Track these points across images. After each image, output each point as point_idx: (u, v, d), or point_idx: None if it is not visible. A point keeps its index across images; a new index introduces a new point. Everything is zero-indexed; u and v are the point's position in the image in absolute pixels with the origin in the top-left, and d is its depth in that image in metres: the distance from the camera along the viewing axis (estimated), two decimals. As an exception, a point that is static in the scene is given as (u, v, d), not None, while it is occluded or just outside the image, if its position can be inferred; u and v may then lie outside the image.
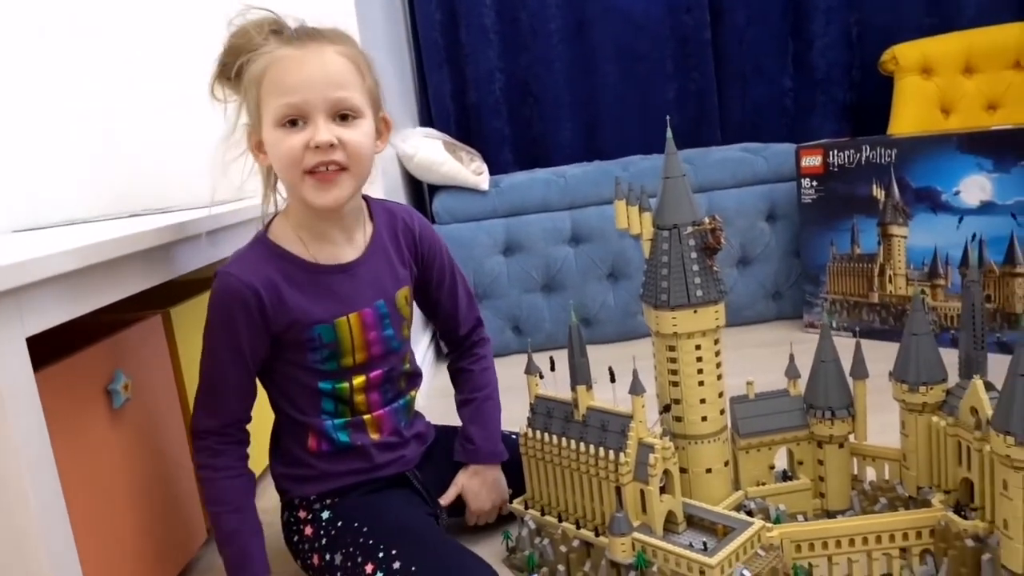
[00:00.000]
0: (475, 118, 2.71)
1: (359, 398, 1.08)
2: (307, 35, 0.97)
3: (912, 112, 2.34)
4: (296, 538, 1.08)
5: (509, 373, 2.14)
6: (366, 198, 1.11)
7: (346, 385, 1.06)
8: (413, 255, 1.14)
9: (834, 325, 2.01)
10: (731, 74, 2.66)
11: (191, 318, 1.22)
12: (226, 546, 1.01)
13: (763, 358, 1.88)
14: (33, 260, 0.77)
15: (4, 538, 0.77)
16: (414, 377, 1.18)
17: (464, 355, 1.26)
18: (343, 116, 0.96)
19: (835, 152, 1.96)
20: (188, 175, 1.67)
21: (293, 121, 0.94)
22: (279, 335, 1.01)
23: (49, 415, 0.83)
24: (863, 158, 1.92)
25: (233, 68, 0.99)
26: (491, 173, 2.32)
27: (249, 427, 1.06)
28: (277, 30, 0.97)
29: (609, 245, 2.17)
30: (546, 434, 1.08)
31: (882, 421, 1.08)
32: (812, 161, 2.00)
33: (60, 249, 0.82)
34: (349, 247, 1.06)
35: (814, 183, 2.01)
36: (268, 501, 1.17)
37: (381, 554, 0.96)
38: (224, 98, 1.03)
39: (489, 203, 2.19)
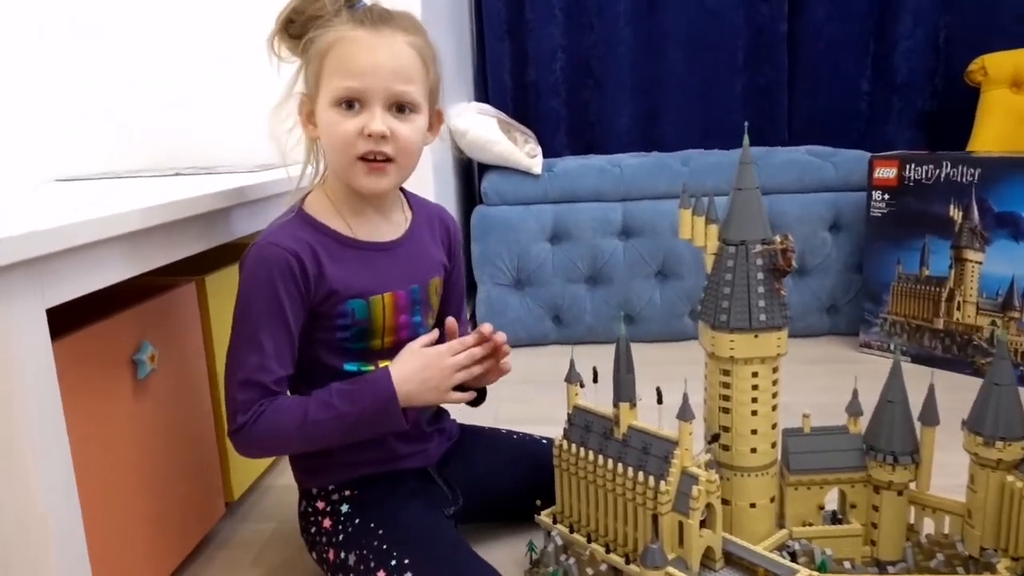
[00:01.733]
0: (532, 97, 2.63)
1: None
2: (381, 19, 0.94)
3: (997, 128, 2.20)
4: (313, 529, 1.04)
5: (544, 363, 2.09)
6: (401, 188, 1.10)
7: (372, 368, 1.02)
8: (446, 250, 1.14)
9: (891, 348, 1.91)
10: (805, 71, 2.52)
11: (225, 287, 1.18)
12: (344, 419, 0.93)
13: (813, 375, 1.80)
14: (55, 229, 0.73)
15: (9, 511, 0.75)
16: None
17: None
18: (399, 107, 0.95)
19: (912, 165, 1.84)
20: (231, 136, 1.63)
21: (350, 104, 0.93)
22: (315, 308, 0.98)
23: (68, 384, 0.80)
24: (942, 174, 1.79)
25: (299, 28, 0.96)
26: (544, 154, 2.24)
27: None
28: (351, 3, 0.95)
29: (660, 241, 2.08)
30: (582, 448, 1.02)
31: (937, 460, 1.00)
32: (886, 173, 1.89)
33: (84, 218, 0.77)
34: (388, 227, 1.05)
35: (886, 196, 1.89)
36: (291, 494, 1.13)
37: (394, 562, 0.92)
38: (279, 54, 0.99)
39: (540, 187, 2.11)
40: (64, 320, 0.84)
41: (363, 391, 0.95)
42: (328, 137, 0.95)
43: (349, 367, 1.02)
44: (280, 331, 0.95)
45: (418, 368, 0.96)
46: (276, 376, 0.95)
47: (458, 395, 0.99)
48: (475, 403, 1.07)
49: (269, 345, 0.94)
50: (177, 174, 1.48)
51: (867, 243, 1.96)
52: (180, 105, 1.77)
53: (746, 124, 0.99)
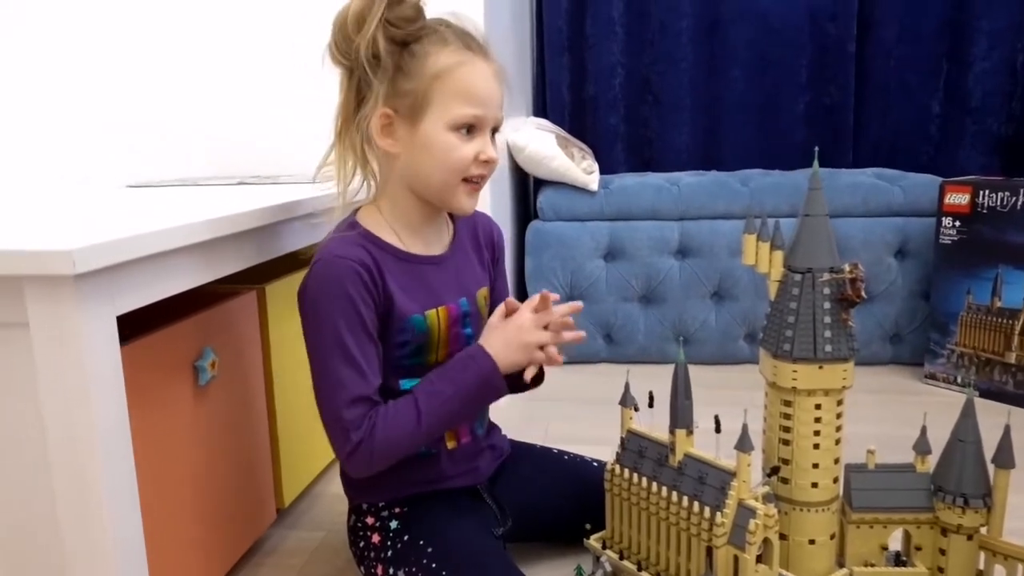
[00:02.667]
0: (590, 112, 2.62)
1: None
2: (481, 45, 0.97)
3: (1078, 154, 2.10)
4: (362, 544, 1.04)
5: (594, 381, 2.08)
6: None
7: None
8: (491, 258, 1.14)
9: (958, 380, 1.83)
10: (872, 92, 2.46)
11: (284, 296, 1.19)
12: (454, 399, 0.95)
13: (875, 406, 1.74)
14: (129, 239, 0.74)
15: (72, 508, 0.77)
16: None
17: None
18: (492, 131, 0.99)
19: (986, 192, 1.77)
20: (292, 147, 1.66)
21: (468, 129, 0.95)
22: (382, 315, 0.97)
23: (133, 388, 0.82)
24: (1019, 202, 1.72)
25: (405, 35, 0.93)
26: (600, 171, 2.23)
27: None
28: (450, 25, 0.97)
29: (717, 262, 2.04)
30: (635, 474, 1.00)
31: (1013, 503, 0.95)
32: (958, 199, 1.82)
33: (156, 229, 0.79)
34: (437, 242, 1.06)
35: (957, 223, 1.82)
36: (340, 503, 1.14)
37: None
38: (368, 57, 0.94)
39: (596, 204, 2.10)
40: (128, 325, 0.86)
41: (464, 367, 0.96)
42: (440, 158, 0.95)
43: (405, 385, 1.00)
44: (367, 342, 0.94)
45: (505, 334, 0.97)
46: (375, 386, 0.94)
47: (541, 354, 0.98)
48: (537, 381, 1.04)
49: (361, 358, 0.93)
50: (241, 183, 1.52)
51: (935, 271, 1.89)
52: (244, 115, 1.82)
53: (816, 149, 0.97)
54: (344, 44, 0.94)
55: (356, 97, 0.97)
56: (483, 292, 1.10)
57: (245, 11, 1.77)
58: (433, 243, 1.05)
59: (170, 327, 0.94)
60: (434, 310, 1.01)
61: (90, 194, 1.37)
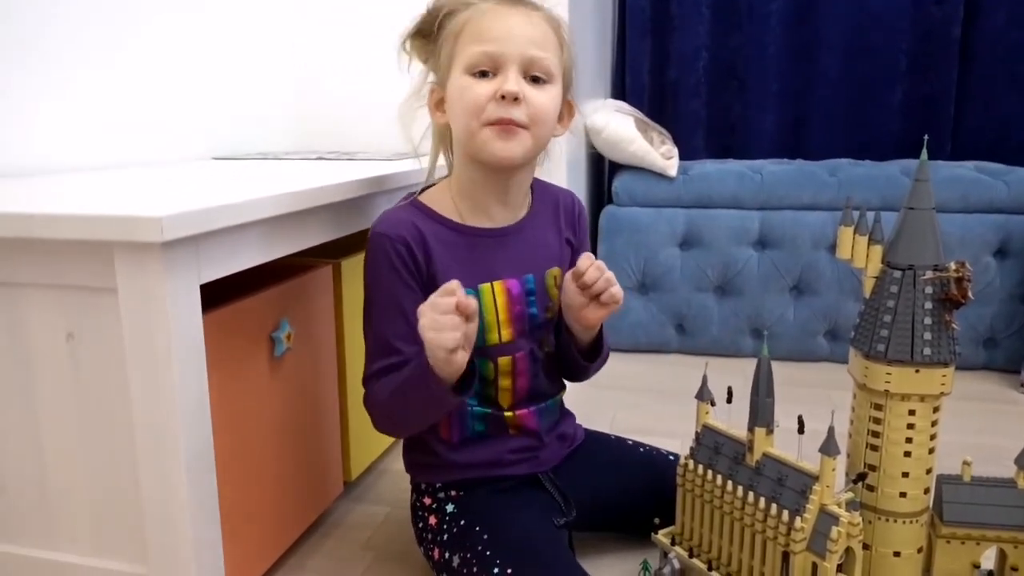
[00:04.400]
0: (671, 96, 2.55)
1: (504, 383, 1.02)
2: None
3: None
4: (421, 524, 1.04)
5: (664, 372, 2.03)
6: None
7: (491, 365, 1.00)
8: (573, 235, 1.10)
9: (1059, 391, 1.72)
10: (977, 81, 2.31)
11: (358, 271, 1.19)
12: (401, 389, 0.92)
13: (967, 413, 1.64)
14: (215, 208, 0.75)
15: (152, 471, 0.78)
16: (559, 375, 1.11)
17: None
18: (535, 79, 0.93)
19: (1103, 190, 1.64)
20: (371, 123, 1.67)
21: (484, 72, 0.92)
22: (429, 289, 0.95)
23: (213, 356, 0.83)
24: None
25: (434, 24, 0.96)
26: (680, 157, 2.16)
27: None
28: None
29: (799, 255, 1.96)
30: (710, 471, 0.96)
31: None
32: (1070, 197, 1.69)
33: (241, 200, 0.80)
34: (504, 215, 1.02)
35: (1067, 223, 1.70)
36: (405, 479, 1.14)
37: (496, 569, 0.90)
38: (410, 54, 1.01)
39: (674, 190, 2.04)
40: (209, 294, 0.87)
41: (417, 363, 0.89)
42: (458, 105, 0.93)
43: None
44: (396, 317, 0.95)
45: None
46: (399, 355, 0.94)
47: (459, 359, 0.83)
48: (463, 385, 0.90)
49: (389, 334, 0.95)
50: (320, 158, 1.53)
51: (1039, 273, 1.77)
52: (326, 92, 1.84)
53: (926, 138, 0.90)
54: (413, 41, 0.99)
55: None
56: (554, 272, 1.05)
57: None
58: (499, 217, 1.02)
59: (250, 297, 0.95)
60: (488, 284, 0.98)
61: (178, 165, 1.40)
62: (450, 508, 1.02)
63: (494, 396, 1.03)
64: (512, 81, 0.90)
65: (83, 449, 0.82)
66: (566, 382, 1.12)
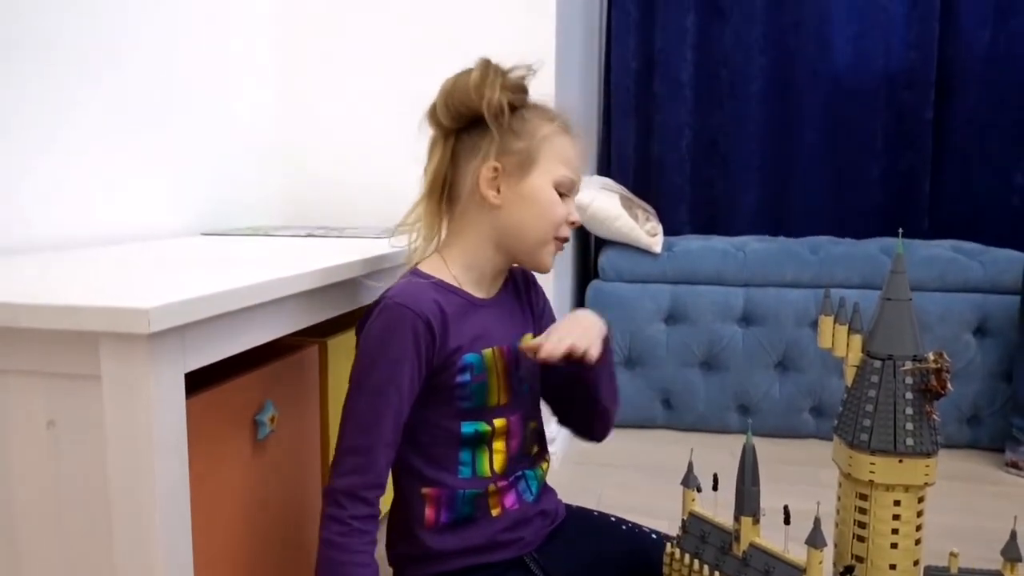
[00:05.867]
0: (656, 172, 2.62)
1: (499, 445, 1.02)
2: (575, 128, 1.06)
3: None
4: (407, 616, 1.02)
5: (651, 448, 2.02)
6: None
7: (488, 428, 1.01)
8: (531, 305, 1.15)
9: (1045, 471, 1.72)
10: (951, 160, 2.39)
11: (344, 351, 1.20)
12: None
13: (951, 494, 1.64)
14: (203, 298, 0.76)
15: (129, 561, 0.77)
16: (544, 446, 1.12)
17: None
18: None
19: (1076, 272, 1.68)
20: (360, 199, 1.70)
21: (563, 192, 1.02)
22: (437, 368, 0.98)
23: (194, 441, 0.82)
24: (1113, 285, 1.63)
25: (519, 100, 1.01)
26: (664, 231, 2.20)
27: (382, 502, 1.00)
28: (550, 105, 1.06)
29: (783, 331, 1.98)
30: (696, 561, 0.95)
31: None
32: (1045, 278, 1.73)
33: (230, 287, 0.81)
34: (492, 288, 1.08)
35: (1043, 303, 1.73)
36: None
37: None
38: (438, 133, 1.03)
39: (659, 266, 2.07)
40: (192, 374, 0.87)
41: None
42: (540, 210, 1.01)
43: (466, 428, 1.00)
44: (395, 405, 0.95)
45: None
46: (367, 481, 0.94)
47: None
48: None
49: (376, 428, 0.94)
50: (310, 235, 1.55)
51: (1019, 350, 1.80)
52: (315, 165, 1.87)
53: (900, 232, 0.93)
54: (457, 107, 1.01)
55: (452, 158, 1.03)
56: (528, 337, 1.09)
57: (318, 65, 1.83)
58: (492, 290, 1.08)
59: (234, 380, 0.94)
60: (491, 350, 1.02)
61: (166, 241, 1.41)
62: (436, 598, 1.00)
63: (487, 463, 1.02)
64: (576, 213, 1.05)
65: (60, 537, 0.80)
66: (549, 457, 1.12)
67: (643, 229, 2.07)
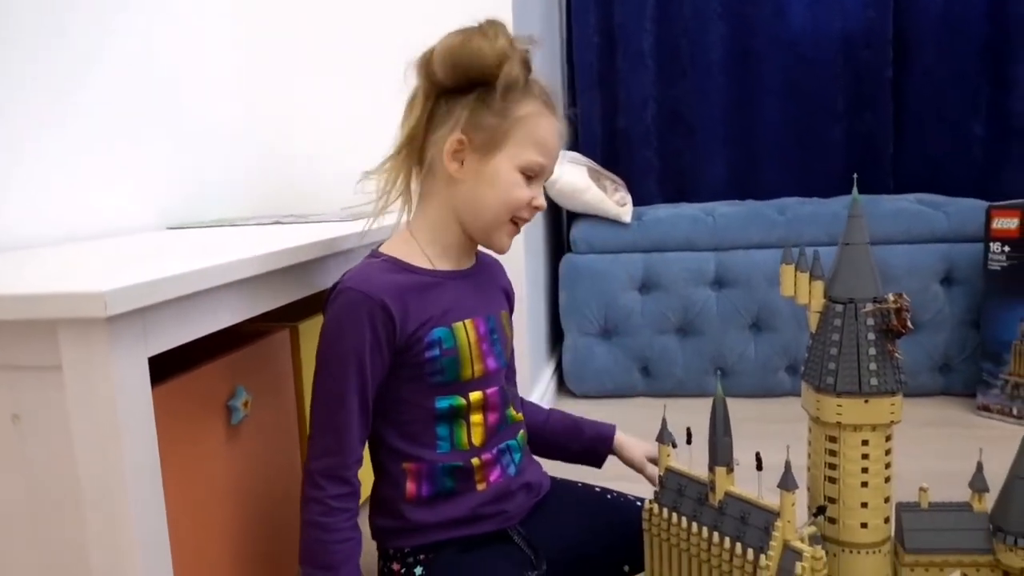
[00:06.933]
0: (623, 145, 2.62)
1: (476, 418, 1.02)
2: (558, 106, 1.03)
3: None
4: (390, 590, 1.02)
5: (631, 416, 2.04)
6: None
7: (463, 402, 1.01)
8: (505, 289, 1.16)
9: (1014, 412, 1.75)
10: (912, 117, 2.42)
11: (316, 334, 1.19)
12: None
13: (926, 439, 1.67)
14: (161, 280, 0.75)
15: (104, 553, 0.76)
16: (521, 419, 1.13)
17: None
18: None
19: (1036, 216, 1.72)
20: (328, 186, 1.69)
21: (530, 176, 1.00)
22: (402, 348, 0.97)
23: (165, 430, 0.82)
24: (1071, 226, 1.66)
25: (468, 81, 0.97)
26: (634, 203, 2.21)
27: (361, 475, 1.01)
28: (537, 79, 1.02)
29: (755, 293, 2.00)
30: (675, 514, 0.96)
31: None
32: (1006, 223, 1.76)
33: (189, 269, 0.80)
34: (465, 262, 1.08)
35: (1006, 248, 1.77)
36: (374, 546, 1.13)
37: None
38: (419, 93, 1.00)
39: (630, 236, 2.08)
40: (161, 364, 0.86)
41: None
42: (499, 190, 0.99)
43: (441, 403, 1.00)
44: (360, 389, 0.95)
45: None
46: (343, 459, 0.95)
47: None
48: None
49: (345, 411, 0.95)
50: (277, 222, 1.53)
51: (985, 298, 1.83)
52: (282, 155, 1.85)
53: (855, 176, 0.94)
54: (464, 68, 0.96)
55: (429, 119, 1.00)
56: (505, 314, 1.12)
57: (281, 56, 1.81)
58: (462, 262, 1.07)
59: (202, 367, 0.94)
60: (461, 323, 1.01)
61: (129, 236, 1.40)
62: (419, 571, 1.01)
63: (466, 436, 1.02)
64: (543, 198, 1.03)
65: (32, 532, 0.80)
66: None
67: (612, 200, 2.08)
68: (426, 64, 0.98)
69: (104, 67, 1.44)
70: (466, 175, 0.99)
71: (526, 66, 0.99)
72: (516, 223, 1.03)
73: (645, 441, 1.20)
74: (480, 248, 1.11)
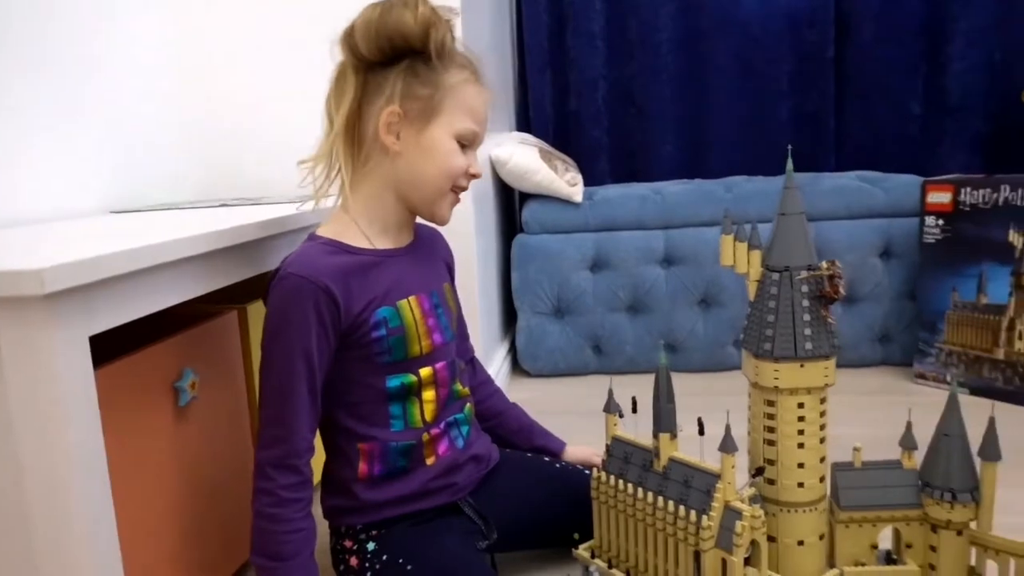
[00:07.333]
0: (574, 126, 2.63)
1: (428, 395, 1.03)
2: (483, 74, 1.04)
3: (1058, 150, 2.12)
4: (342, 567, 1.04)
5: (584, 393, 2.07)
6: None
7: (414, 379, 1.02)
8: (446, 260, 1.18)
9: (948, 380, 1.83)
10: (853, 95, 2.48)
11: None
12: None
13: (866, 407, 1.74)
14: (100, 258, 0.74)
15: (48, 538, 0.75)
16: (468, 393, 1.15)
17: (479, 384, 1.26)
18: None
19: (967, 190, 1.78)
20: (277, 169, 1.67)
21: (463, 144, 1.02)
22: (348, 330, 0.97)
23: (110, 411, 0.81)
24: (1000, 199, 1.73)
25: (393, 53, 0.97)
26: (586, 184, 2.23)
27: (316, 462, 1.00)
28: (463, 49, 1.03)
29: (703, 270, 2.04)
30: (621, 481, 0.99)
31: (1002, 498, 0.94)
32: (940, 198, 1.83)
33: (128, 247, 0.79)
34: (403, 239, 1.08)
35: (940, 222, 1.83)
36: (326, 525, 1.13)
37: None
38: (347, 68, 0.99)
39: (581, 216, 2.11)
40: (107, 347, 0.85)
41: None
42: (437, 160, 1.00)
43: (391, 383, 1.01)
44: (307, 374, 0.95)
45: None
46: (293, 448, 0.95)
47: None
48: None
49: (293, 398, 0.94)
50: (223, 205, 1.52)
51: (920, 270, 1.90)
52: (229, 139, 1.82)
53: (789, 148, 0.97)
54: (389, 39, 0.96)
55: (362, 94, 1.00)
56: (447, 287, 1.13)
57: (223, 35, 1.78)
58: (401, 238, 1.07)
59: (147, 349, 0.93)
60: (405, 300, 1.02)
61: (70, 222, 1.36)
62: (371, 546, 1.02)
63: (419, 413, 1.03)
64: (478, 165, 1.05)
65: (-27, 519, 0.78)
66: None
67: (563, 180, 2.09)
68: (348, 39, 0.98)
69: (45, 53, 1.40)
70: (403, 147, 0.99)
71: (451, 33, 0.99)
72: (455, 192, 1.04)
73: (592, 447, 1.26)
74: (419, 221, 1.11)
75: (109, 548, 0.80)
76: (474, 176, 1.05)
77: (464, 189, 1.05)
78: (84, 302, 0.75)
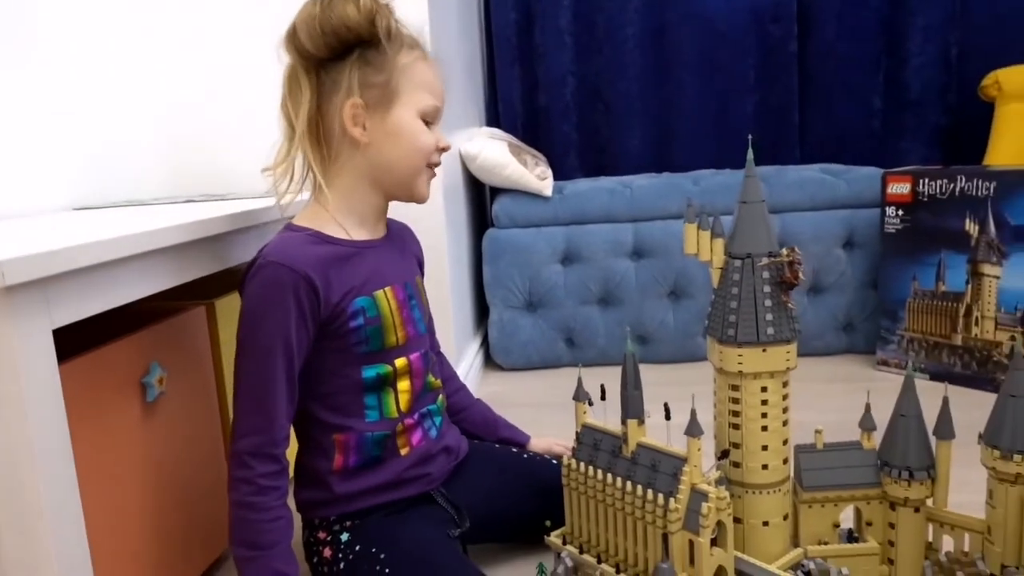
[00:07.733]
0: (543, 121, 2.65)
1: (403, 385, 1.04)
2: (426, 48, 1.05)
3: (1013, 142, 2.17)
4: (316, 559, 1.04)
5: (556, 385, 2.09)
6: None
7: (390, 369, 1.02)
8: (416, 254, 1.19)
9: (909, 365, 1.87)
10: (816, 90, 2.52)
11: (235, 311, 1.18)
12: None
13: (829, 394, 1.78)
14: (63, 250, 0.73)
15: (13, 535, 0.75)
16: (440, 385, 1.16)
17: (445, 380, 1.25)
18: None
19: (926, 181, 1.83)
20: (245, 164, 1.65)
21: (427, 120, 1.03)
22: (326, 320, 0.97)
23: (76, 407, 0.81)
24: (957, 189, 1.78)
25: (344, 46, 0.97)
26: (555, 178, 2.25)
27: (289, 454, 1.00)
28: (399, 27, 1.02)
29: (672, 262, 2.07)
30: (591, 467, 1.01)
31: (958, 477, 0.97)
32: (899, 189, 1.87)
33: (91, 239, 0.78)
34: (377, 230, 1.09)
35: (900, 212, 1.88)
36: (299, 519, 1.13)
37: None
38: (297, 69, 0.99)
39: (551, 209, 2.12)
40: (74, 342, 0.85)
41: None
42: (407, 142, 1.01)
43: (367, 373, 1.01)
44: (285, 364, 0.95)
45: None
46: (270, 437, 0.94)
47: None
48: None
49: (271, 388, 0.94)
50: (189, 201, 1.50)
51: (882, 260, 1.94)
52: (195, 137, 1.80)
53: (750, 137, 0.99)
54: (335, 33, 0.95)
55: (319, 93, 0.99)
56: (419, 279, 1.15)
57: (191, 36, 1.76)
58: (376, 230, 1.08)
59: (113, 344, 0.92)
60: (382, 291, 1.02)
61: (33, 218, 1.35)
62: (345, 537, 1.02)
63: (394, 404, 1.04)
64: (445, 138, 1.05)
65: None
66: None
67: (533, 174, 2.10)
68: (293, 40, 0.97)
69: (8, 50, 1.38)
70: (371, 136, 1.00)
71: (393, 15, 1.00)
72: (430, 168, 1.05)
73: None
74: (389, 217, 1.12)
75: (77, 546, 0.79)
76: (444, 149, 1.06)
77: (438, 164, 1.06)
78: (45, 295, 0.74)
